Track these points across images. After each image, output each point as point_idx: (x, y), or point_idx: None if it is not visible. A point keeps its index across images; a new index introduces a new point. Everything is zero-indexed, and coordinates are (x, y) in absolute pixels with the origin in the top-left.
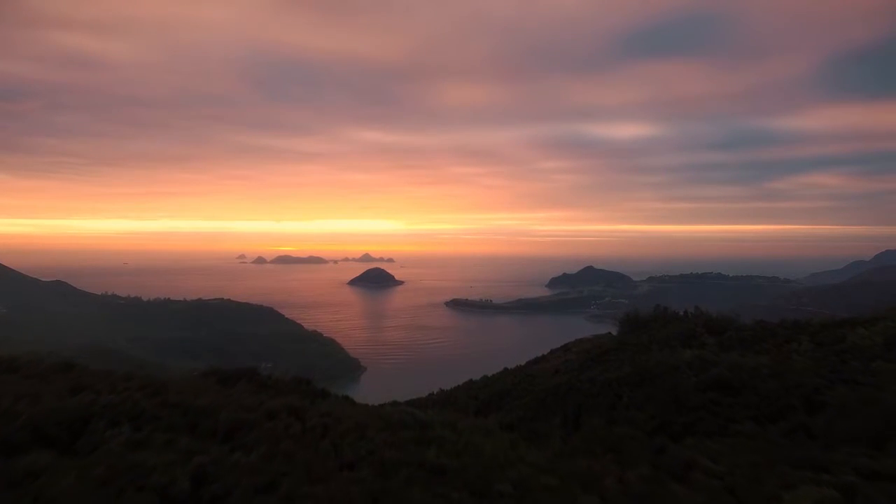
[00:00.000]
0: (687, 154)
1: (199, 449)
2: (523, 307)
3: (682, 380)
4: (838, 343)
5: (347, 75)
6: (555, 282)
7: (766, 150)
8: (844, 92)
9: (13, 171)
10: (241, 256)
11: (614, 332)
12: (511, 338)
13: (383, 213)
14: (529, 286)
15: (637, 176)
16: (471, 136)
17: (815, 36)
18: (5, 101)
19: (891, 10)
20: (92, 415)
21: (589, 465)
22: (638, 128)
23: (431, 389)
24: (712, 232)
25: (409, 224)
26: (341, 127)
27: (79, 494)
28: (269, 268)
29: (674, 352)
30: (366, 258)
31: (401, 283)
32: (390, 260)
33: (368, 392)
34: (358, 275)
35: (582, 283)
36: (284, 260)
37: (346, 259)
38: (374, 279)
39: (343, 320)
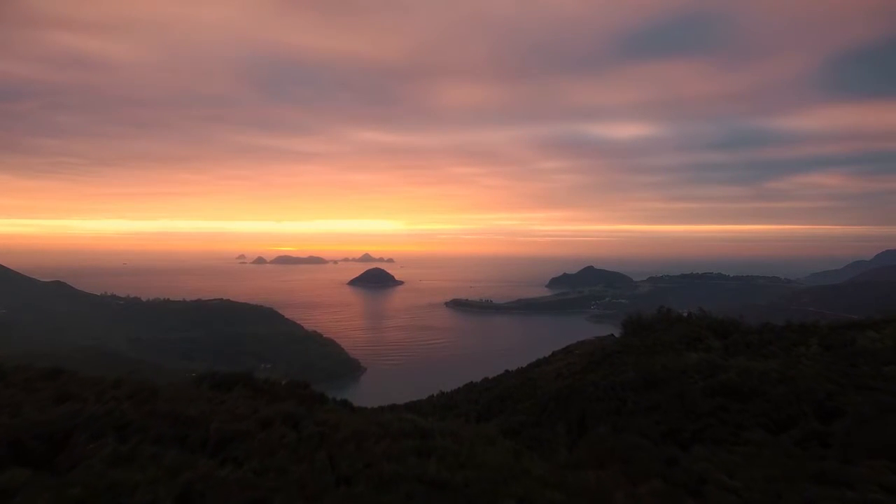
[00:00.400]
0: (687, 154)
1: (187, 463)
2: (523, 307)
3: (689, 385)
4: (848, 346)
5: (347, 75)
6: (555, 282)
7: (766, 150)
8: (844, 92)
9: (13, 172)
10: (241, 256)
11: (616, 334)
12: (511, 338)
13: (383, 213)
14: (529, 286)
15: (637, 176)
16: (471, 136)
17: (815, 36)
18: (5, 101)
19: (891, 10)
20: (75, 426)
21: (598, 479)
22: (638, 128)
23: (431, 391)
24: (712, 232)
25: (409, 224)
26: (341, 127)
27: None
28: (269, 268)
29: (679, 355)
30: (366, 258)
31: (401, 283)
32: (390, 260)
33: (368, 393)
34: (358, 275)
35: (582, 284)
36: (284, 260)
37: (346, 259)
38: (374, 279)
39: (343, 321)
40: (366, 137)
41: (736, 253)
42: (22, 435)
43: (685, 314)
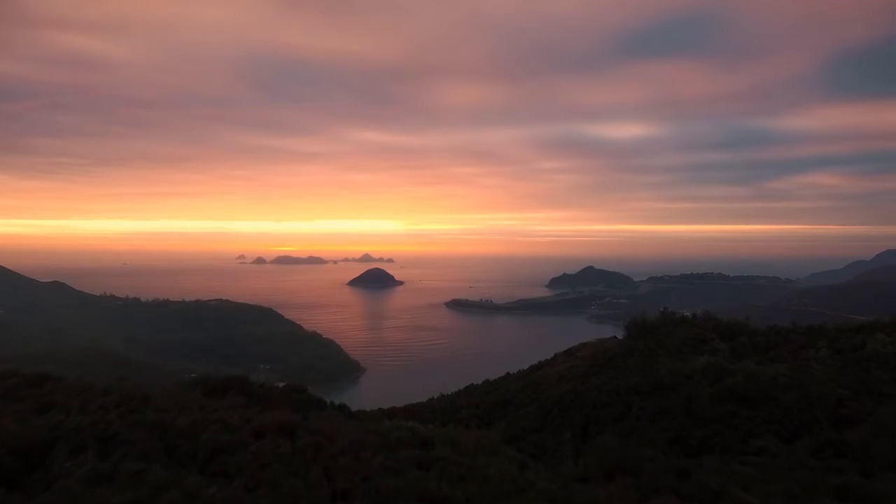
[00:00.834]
0: (687, 154)
1: (172, 480)
2: (523, 307)
3: (696, 390)
4: (858, 350)
5: (347, 75)
6: (555, 282)
7: (766, 150)
8: (844, 92)
9: (13, 172)
10: (241, 257)
11: (617, 334)
12: (511, 338)
13: (383, 213)
14: (529, 286)
15: (637, 176)
16: (470, 136)
17: (815, 36)
18: (5, 101)
19: (891, 10)
20: (56, 440)
21: (608, 495)
22: (638, 128)
23: (432, 393)
24: (712, 232)
25: (409, 224)
26: (341, 127)
27: None
28: (269, 268)
29: (685, 359)
30: (366, 258)
31: (400, 283)
32: (390, 260)
33: (368, 394)
34: (358, 275)
35: (582, 284)
36: (284, 260)
37: (346, 259)
38: (374, 279)
39: (343, 321)
40: (366, 137)
41: (736, 253)
42: None
43: (687, 315)
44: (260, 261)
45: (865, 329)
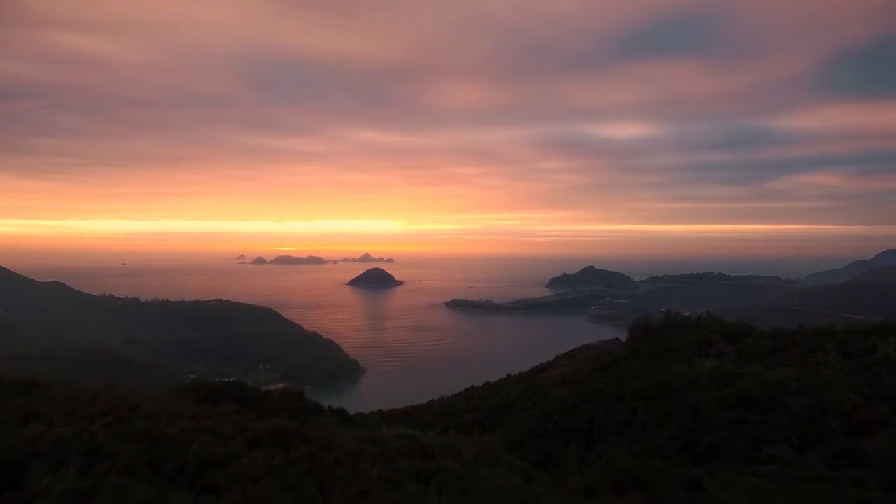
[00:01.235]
0: (687, 154)
1: (157, 498)
2: (524, 307)
3: (703, 395)
4: (868, 354)
5: (347, 75)
6: (555, 282)
7: (766, 150)
8: (844, 92)
9: (13, 172)
10: (241, 257)
11: (618, 334)
12: (512, 339)
13: (383, 213)
14: (529, 286)
15: (637, 176)
16: (470, 136)
17: (815, 36)
18: (5, 101)
19: (891, 10)
20: (36, 453)
21: None
22: (638, 128)
23: (432, 394)
24: (712, 232)
25: (408, 224)
26: (341, 127)
27: None
28: (269, 268)
29: (690, 362)
30: (366, 258)
31: (400, 283)
32: (390, 260)
33: (367, 395)
34: (358, 275)
35: (582, 284)
36: (284, 260)
37: (346, 259)
38: (374, 279)
39: (343, 321)
40: (366, 137)
41: (736, 253)
42: None
43: (688, 314)
44: (260, 261)
45: (876, 332)
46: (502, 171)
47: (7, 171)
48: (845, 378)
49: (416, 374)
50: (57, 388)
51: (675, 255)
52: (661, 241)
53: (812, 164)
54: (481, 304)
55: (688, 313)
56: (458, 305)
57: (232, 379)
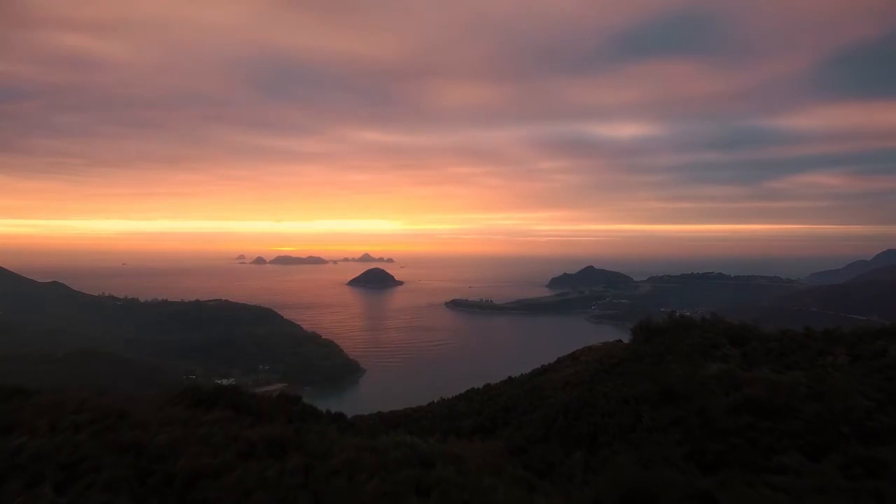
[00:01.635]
0: (687, 154)
1: None
2: (524, 308)
3: (711, 400)
4: (879, 357)
5: (347, 75)
6: (555, 282)
7: (765, 150)
8: (844, 92)
9: (12, 172)
10: (241, 257)
11: (619, 334)
12: (512, 339)
13: (383, 213)
14: (530, 286)
15: (637, 176)
16: (471, 136)
17: (815, 36)
18: (4, 101)
19: (891, 10)
20: (13, 468)
21: None
22: (638, 128)
23: (432, 394)
24: (712, 232)
25: (408, 224)
26: (341, 127)
27: None
28: (269, 268)
29: (696, 365)
30: (365, 258)
31: (400, 283)
32: (390, 260)
33: (367, 396)
34: (357, 275)
35: (582, 284)
36: (284, 260)
37: (346, 259)
38: (374, 279)
39: (342, 321)
40: (365, 137)
41: (736, 253)
42: None
43: (689, 314)
44: (259, 261)
45: (886, 334)
46: (502, 171)
47: (7, 171)
48: (857, 382)
49: (416, 375)
50: (43, 394)
51: (675, 255)
52: (661, 241)
53: (812, 164)
54: (481, 304)
55: (689, 314)
56: (457, 305)
57: (231, 380)
